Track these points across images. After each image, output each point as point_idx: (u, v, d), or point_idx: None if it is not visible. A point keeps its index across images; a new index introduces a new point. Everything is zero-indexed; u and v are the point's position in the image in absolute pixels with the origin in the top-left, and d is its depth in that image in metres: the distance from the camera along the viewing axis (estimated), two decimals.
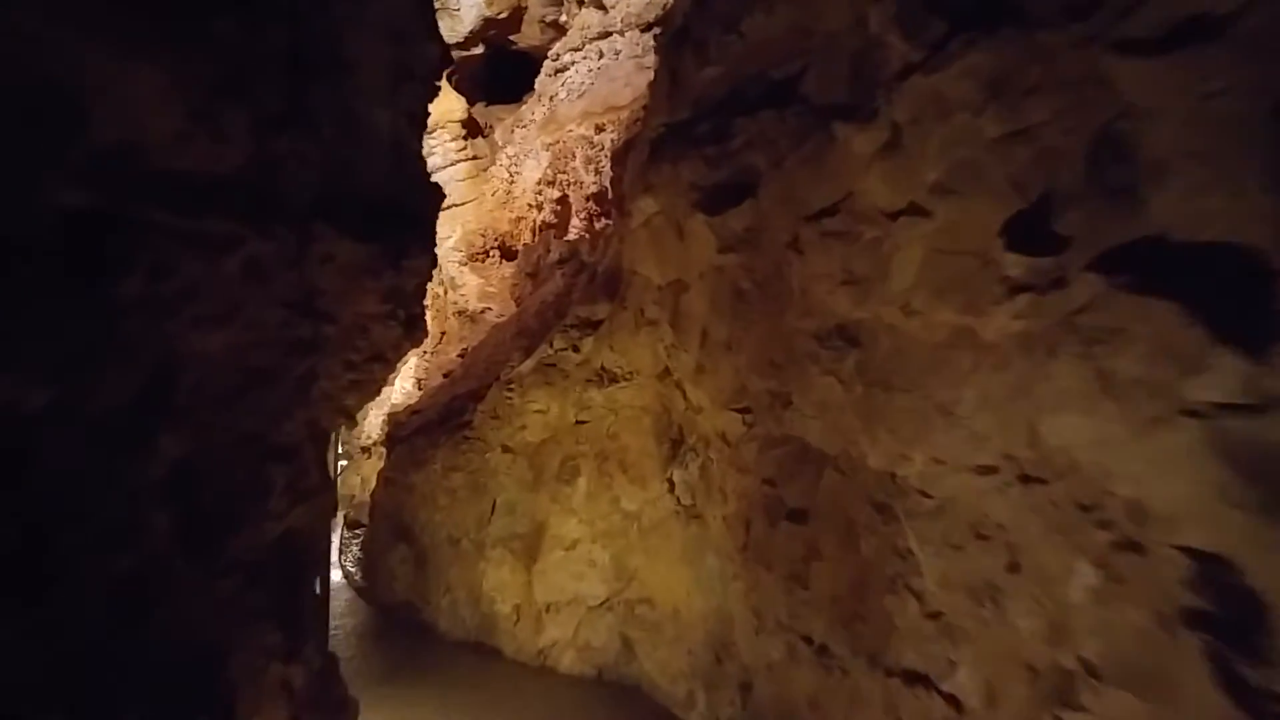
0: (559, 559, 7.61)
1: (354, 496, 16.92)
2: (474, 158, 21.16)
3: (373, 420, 23.86)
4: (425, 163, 4.26)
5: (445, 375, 13.83)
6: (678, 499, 6.67)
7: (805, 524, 4.63)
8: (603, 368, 7.31)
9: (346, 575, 10.65)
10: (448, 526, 8.53)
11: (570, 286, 10.73)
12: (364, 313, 3.38)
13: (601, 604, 7.35)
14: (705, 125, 5.78)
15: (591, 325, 7.65)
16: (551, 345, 7.93)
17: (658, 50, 7.67)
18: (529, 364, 8.13)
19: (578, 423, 7.50)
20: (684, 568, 6.57)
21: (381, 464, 11.38)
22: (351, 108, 3.19)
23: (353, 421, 5.76)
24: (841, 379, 3.94)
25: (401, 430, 10.79)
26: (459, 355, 14.38)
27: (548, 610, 7.66)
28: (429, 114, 4.34)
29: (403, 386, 21.74)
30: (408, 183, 3.70)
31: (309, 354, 3.03)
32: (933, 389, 3.46)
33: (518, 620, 7.90)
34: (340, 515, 16.16)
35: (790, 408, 4.53)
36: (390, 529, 9.83)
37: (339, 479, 18.42)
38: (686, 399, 6.33)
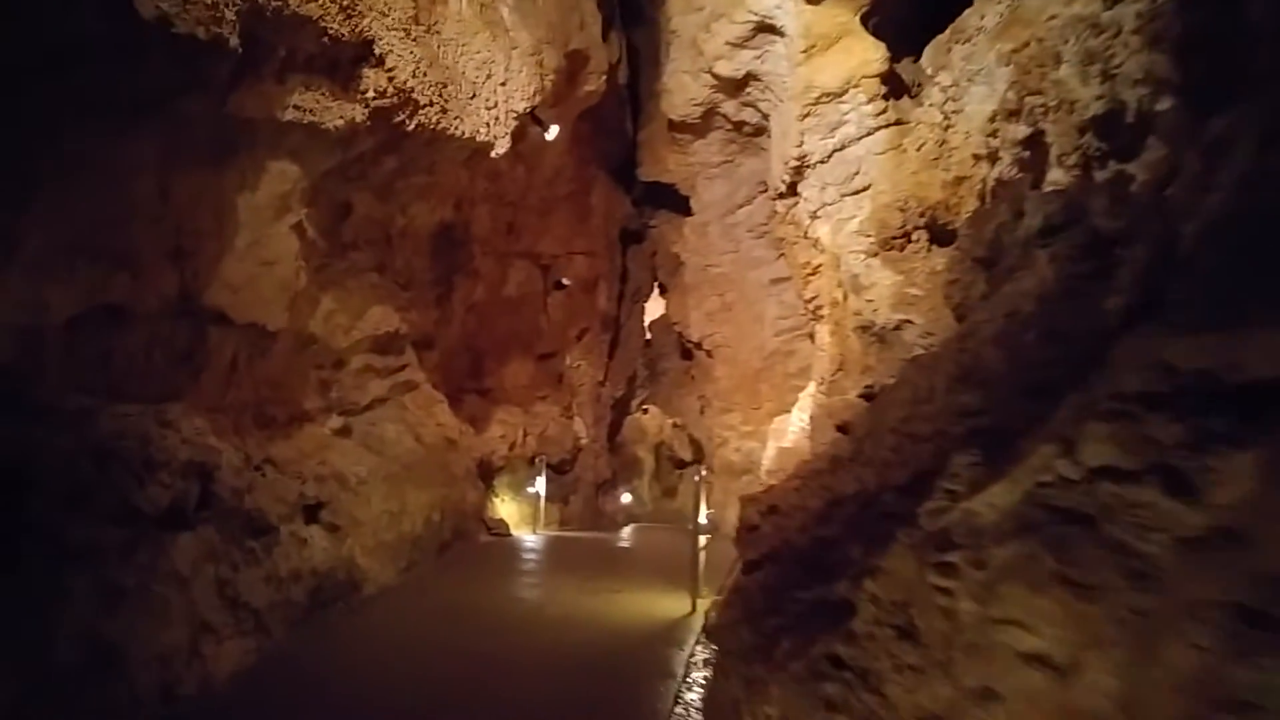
0: None
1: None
2: (897, 123, 15.95)
3: (771, 452, 19.39)
4: None
5: (839, 429, 9.02)
6: None
7: None
8: None
9: None
10: None
11: (1071, 283, 5.11)
12: None
13: None
14: None
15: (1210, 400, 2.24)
16: (1067, 450, 2.68)
17: None
18: (996, 492, 2.98)
19: None
20: None
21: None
22: None
23: None
24: None
25: (745, 541, 6.33)
26: (862, 396, 9.41)
27: None
28: None
29: (799, 419, 17.00)
30: None
31: None
32: None
33: None
34: (705, 603, 12.15)
35: None
36: None
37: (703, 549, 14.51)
38: None
